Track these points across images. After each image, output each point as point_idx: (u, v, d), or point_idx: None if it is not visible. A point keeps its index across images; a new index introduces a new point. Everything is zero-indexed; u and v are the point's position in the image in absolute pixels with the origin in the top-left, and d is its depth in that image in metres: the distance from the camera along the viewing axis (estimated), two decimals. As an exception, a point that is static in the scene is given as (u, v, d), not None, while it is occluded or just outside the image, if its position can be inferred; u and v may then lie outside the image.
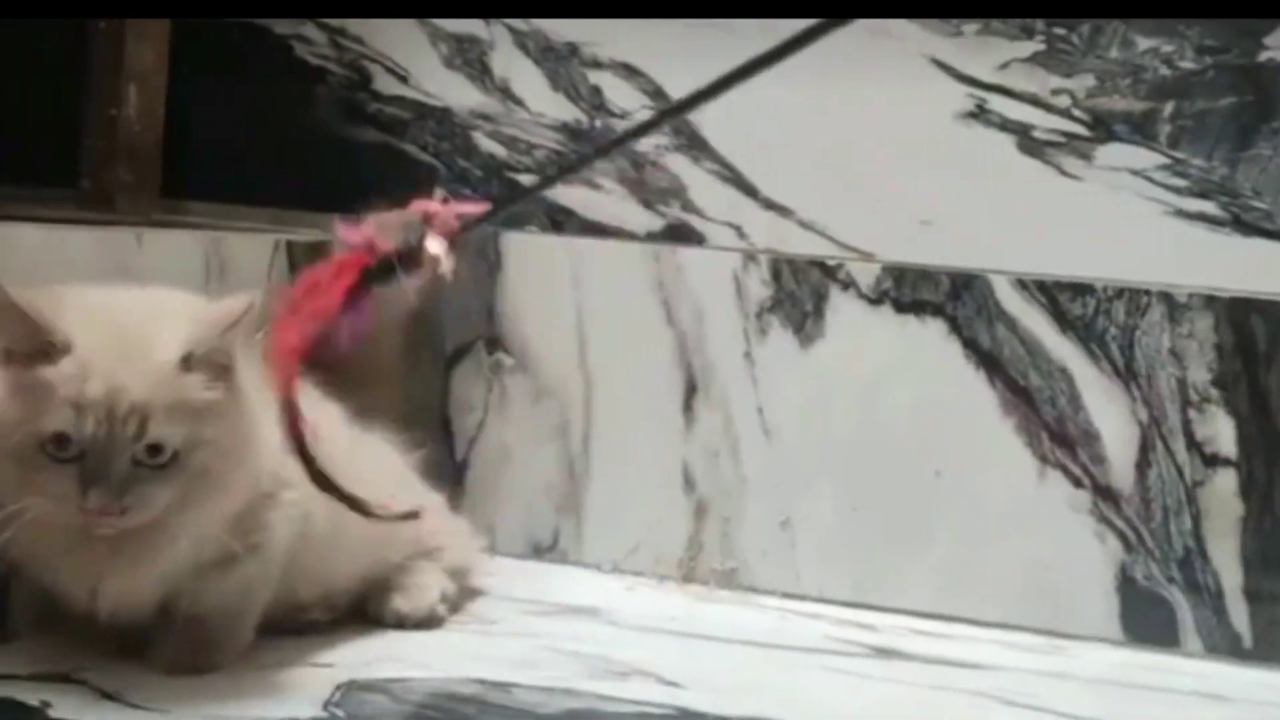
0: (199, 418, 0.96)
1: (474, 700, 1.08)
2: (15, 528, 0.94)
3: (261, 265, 1.39)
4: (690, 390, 1.45)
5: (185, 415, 0.96)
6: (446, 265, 0.95)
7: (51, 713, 0.97)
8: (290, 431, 0.96)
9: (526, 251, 1.49)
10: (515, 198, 0.99)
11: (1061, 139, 1.34)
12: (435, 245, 0.94)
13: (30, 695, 0.99)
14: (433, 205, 0.96)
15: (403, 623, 1.22)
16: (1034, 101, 1.34)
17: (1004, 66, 1.34)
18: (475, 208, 0.98)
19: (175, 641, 1.05)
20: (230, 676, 1.06)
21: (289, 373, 0.93)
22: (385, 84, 1.54)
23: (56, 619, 1.06)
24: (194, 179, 1.50)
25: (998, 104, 1.35)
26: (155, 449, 0.95)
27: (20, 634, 1.08)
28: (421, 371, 1.49)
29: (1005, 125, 1.35)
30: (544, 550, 1.48)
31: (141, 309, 0.99)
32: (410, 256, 0.94)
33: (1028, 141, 1.34)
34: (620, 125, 1.47)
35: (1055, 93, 1.33)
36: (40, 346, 0.94)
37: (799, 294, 1.41)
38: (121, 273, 1.19)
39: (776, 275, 1.41)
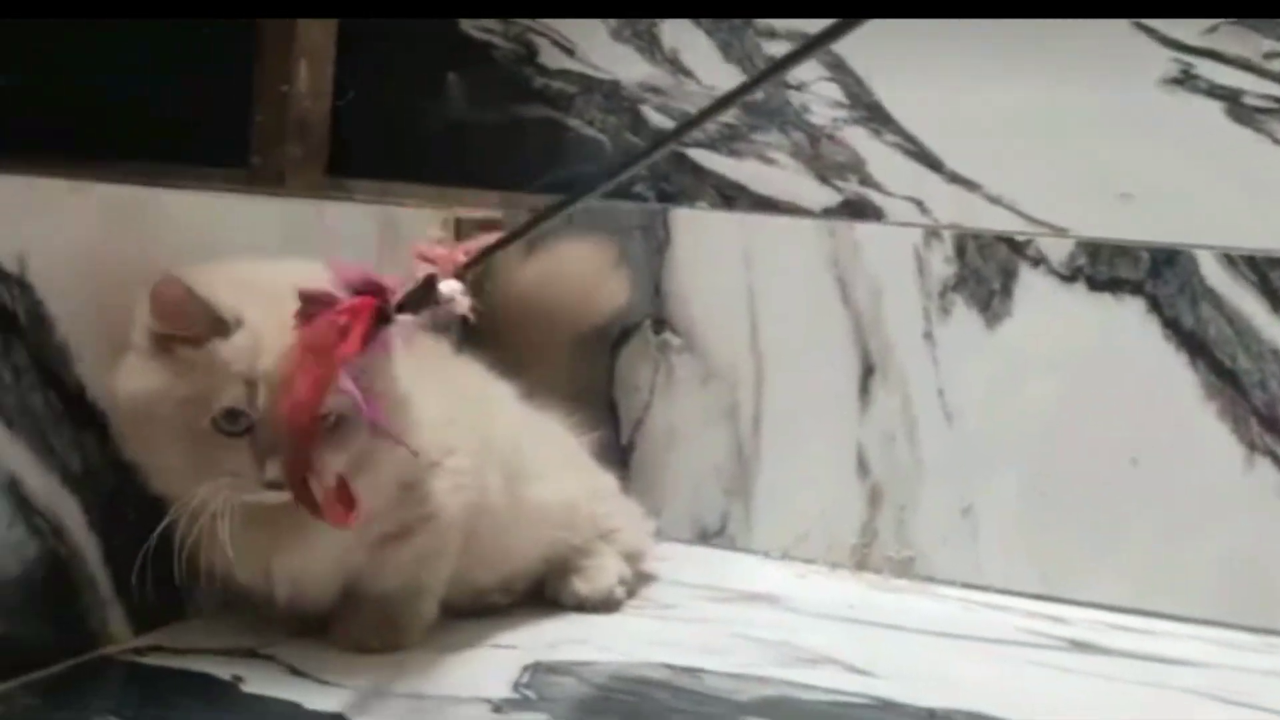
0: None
1: (663, 685, 1.05)
2: (200, 514, 0.92)
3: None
4: (867, 371, 1.39)
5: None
6: (463, 304, 0.92)
7: (244, 687, 0.95)
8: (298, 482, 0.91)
9: (696, 228, 1.45)
10: (531, 224, 0.94)
11: (1275, 105, 1.26)
12: (448, 287, 0.91)
13: (222, 669, 0.97)
14: (432, 249, 0.93)
15: (582, 605, 1.18)
16: (1245, 66, 1.26)
17: (1212, 30, 1.27)
18: (480, 242, 0.94)
19: (358, 620, 1.03)
20: (417, 656, 1.03)
21: (308, 426, 0.90)
22: (551, 58, 1.51)
23: (240, 600, 1.04)
24: (360, 155, 1.48)
25: (1205, 69, 1.28)
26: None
27: (205, 611, 1.06)
28: (587, 352, 1.45)
29: (1213, 91, 1.28)
30: (711, 535, 1.44)
31: (298, 282, 0.96)
32: (420, 298, 0.90)
33: (1237, 108, 1.27)
34: (796, 97, 1.42)
35: (1268, 56, 1.26)
36: (210, 325, 0.92)
37: (985, 271, 1.35)
38: (300, 245, 1.17)
39: (961, 252, 1.35)
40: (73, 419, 0.96)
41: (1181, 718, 1.06)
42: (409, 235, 1.32)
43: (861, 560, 1.40)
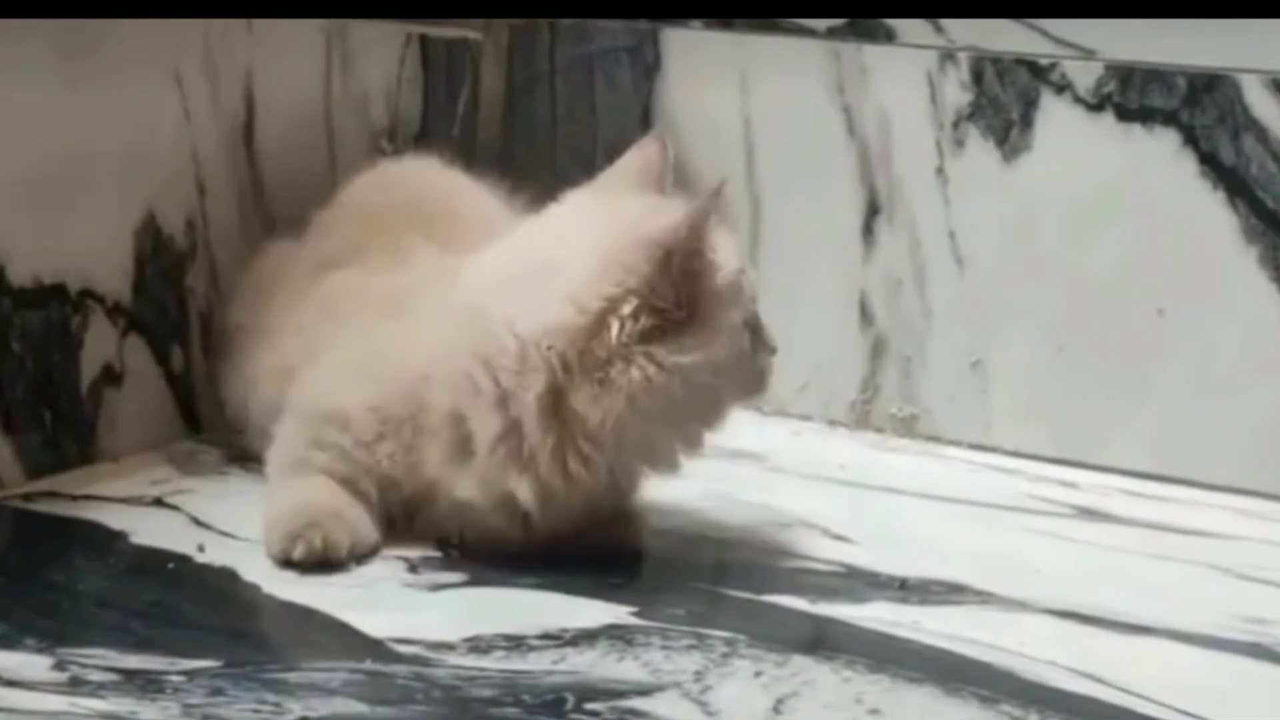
0: None
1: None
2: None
3: (392, 60, 1.25)
4: (871, 211, 1.27)
5: None
6: None
7: (134, 539, 0.86)
8: None
9: (689, 50, 1.32)
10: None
11: (1339, -95, 1.10)
12: None
13: (117, 519, 0.89)
14: None
15: None
16: None
17: None
18: None
19: None
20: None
21: None
22: None
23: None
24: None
25: None
26: None
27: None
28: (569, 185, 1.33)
29: (1267, -110, 1.12)
30: (701, 388, 1.33)
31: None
32: None
33: (1295, -91, 1.11)
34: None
35: None
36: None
37: (1004, 99, 1.21)
38: (227, 62, 1.06)
39: (978, 77, 1.22)
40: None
41: (1187, 594, 0.95)
42: (363, 53, 1.20)
43: (862, 417, 1.29)
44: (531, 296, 0.86)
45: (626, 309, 0.85)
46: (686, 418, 0.90)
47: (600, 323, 0.85)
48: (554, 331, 0.85)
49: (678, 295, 0.86)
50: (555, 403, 0.85)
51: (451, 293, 0.90)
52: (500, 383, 0.85)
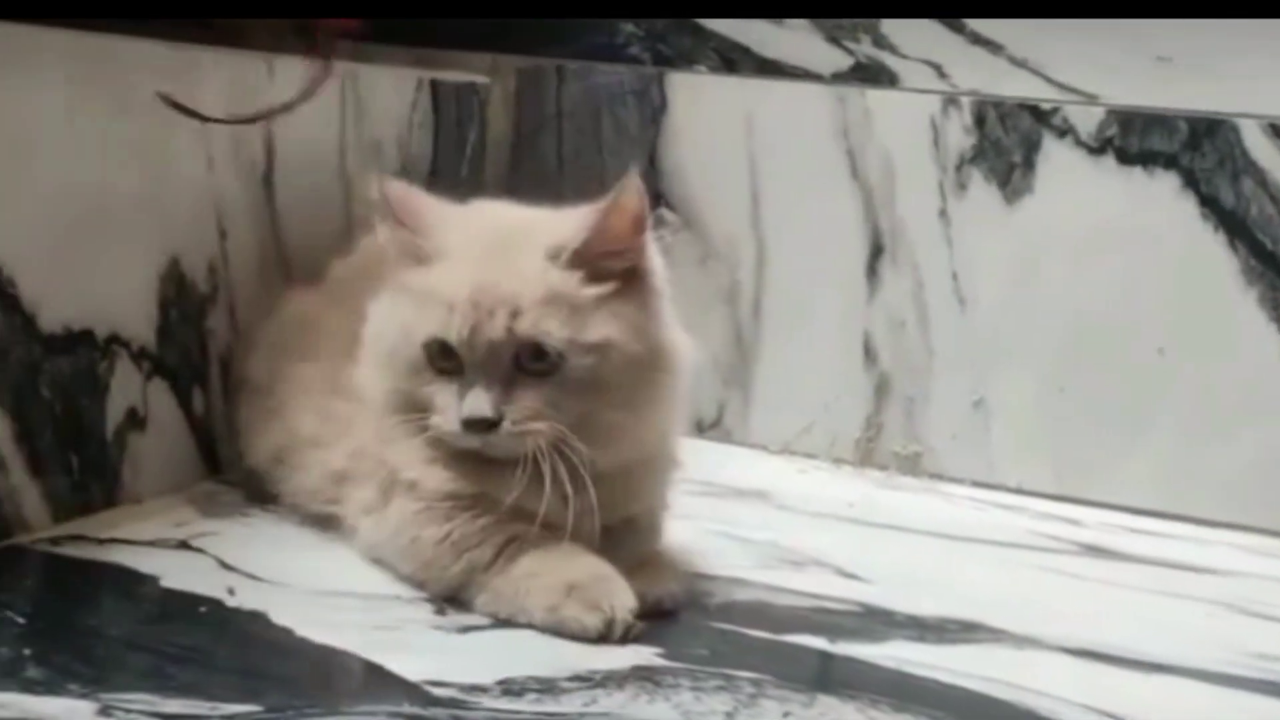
0: (582, 316, 0.86)
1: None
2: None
3: (404, 105, 1.27)
4: (875, 252, 1.29)
5: (563, 312, 0.86)
6: None
7: (164, 582, 0.87)
8: None
9: (695, 94, 1.34)
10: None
11: (1334, -44, 1.13)
12: None
13: (145, 562, 0.89)
14: None
15: None
16: (1302, -88, 1.13)
17: None
18: None
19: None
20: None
21: None
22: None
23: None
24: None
25: (1257, -85, 1.15)
26: (537, 351, 0.85)
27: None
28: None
29: (1264, -59, 1.15)
30: (707, 427, 1.35)
31: (511, 218, 0.95)
32: None
33: (1291, -40, 1.14)
34: (804, -50, 1.29)
35: (1329, -99, 1.13)
36: (419, 253, 0.89)
37: (1006, 142, 1.24)
38: (247, 101, 1.07)
39: (981, 121, 1.24)
40: (-28, 286, 0.88)
41: (1197, 631, 0.97)
42: (376, 97, 1.22)
43: (866, 456, 1.31)
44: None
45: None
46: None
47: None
48: None
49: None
50: None
51: None
52: None
